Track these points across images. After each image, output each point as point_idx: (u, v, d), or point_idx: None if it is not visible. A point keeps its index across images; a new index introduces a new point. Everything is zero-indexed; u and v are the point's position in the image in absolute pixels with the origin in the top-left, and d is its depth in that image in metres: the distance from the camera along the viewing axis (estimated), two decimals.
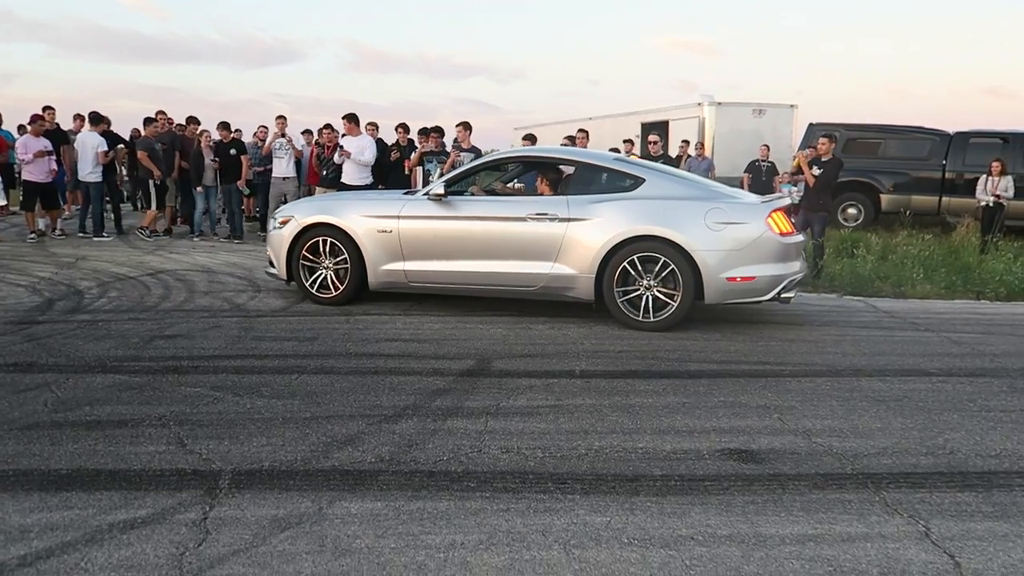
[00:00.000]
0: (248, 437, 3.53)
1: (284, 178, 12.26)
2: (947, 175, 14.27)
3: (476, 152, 10.24)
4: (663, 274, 5.94)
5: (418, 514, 2.82)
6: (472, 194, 7.03)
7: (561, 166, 7.05)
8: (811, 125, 16.15)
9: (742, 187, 13.76)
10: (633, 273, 6.00)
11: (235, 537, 2.62)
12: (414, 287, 6.71)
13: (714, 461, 3.38)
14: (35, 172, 10.96)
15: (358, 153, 10.34)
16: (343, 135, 10.85)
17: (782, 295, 6.00)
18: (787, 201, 6.61)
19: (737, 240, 5.85)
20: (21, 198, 11.82)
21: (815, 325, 6.46)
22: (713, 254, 5.83)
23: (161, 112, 12.66)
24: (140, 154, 11.38)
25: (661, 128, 17.54)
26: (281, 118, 12.37)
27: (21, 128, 12.86)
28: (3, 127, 13.91)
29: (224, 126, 12.25)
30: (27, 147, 10.92)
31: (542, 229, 6.18)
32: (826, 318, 6.81)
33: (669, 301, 5.96)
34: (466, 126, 10.56)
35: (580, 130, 10.90)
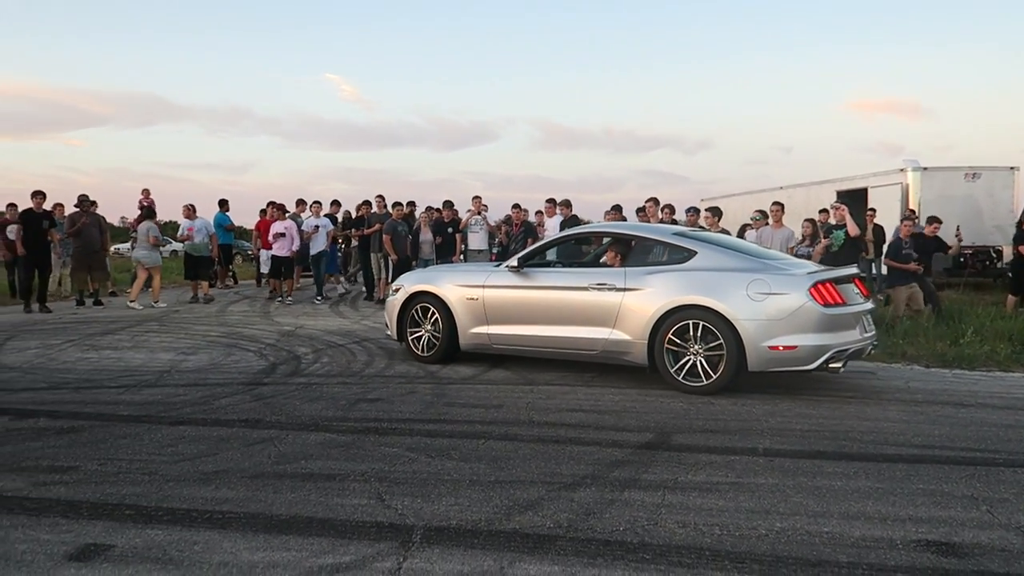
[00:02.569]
0: (439, 496, 3.81)
1: (478, 251, 13.28)
2: None
3: None
4: (710, 341, 6.15)
5: None
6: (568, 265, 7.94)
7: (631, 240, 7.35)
8: None
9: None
10: (682, 339, 6.28)
11: None
12: (496, 349, 7.42)
13: (908, 552, 3.18)
14: (279, 249, 13.82)
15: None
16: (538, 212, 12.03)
17: (830, 365, 6.01)
18: (844, 271, 6.59)
19: (779, 310, 6.01)
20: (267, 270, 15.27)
21: None
22: (755, 323, 6.01)
23: (379, 197, 14.40)
24: (384, 237, 13.25)
25: (859, 196, 16.72)
26: (477, 198, 13.44)
27: (262, 211, 15.90)
28: (228, 212, 16.54)
29: (447, 205, 13.61)
30: (273, 230, 13.82)
31: (602, 298, 6.68)
32: None
33: (717, 366, 6.14)
34: (655, 201, 10.89)
35: (775, 203, 10.69)
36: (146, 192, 16.61)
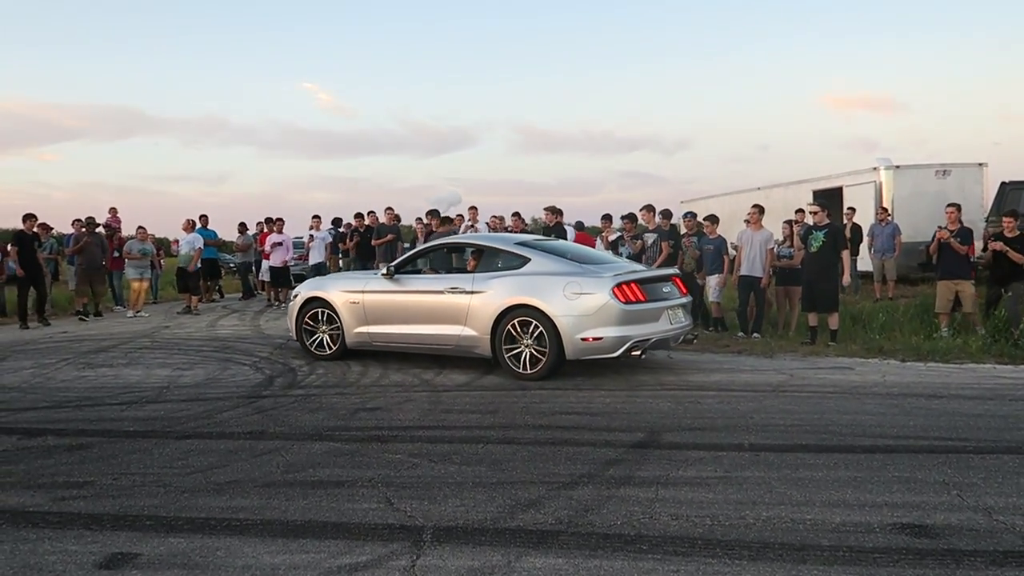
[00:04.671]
0: (444, 498, 4.01)
1: None
2: None
3: (659, 232, 10.80)
4: (537, 335, 7.19)
5: (595, 571, 3.12)
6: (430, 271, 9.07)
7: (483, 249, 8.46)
8: (1003, 184, 15.16)
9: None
10: (516, 334, 7.30)
11: None
12: (376, 346, 8.45)
13: (885, 535, 3.43)
14: (274, 260, 14.86)
15: None
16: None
17: (632, 353, 7.08)
18: (655, 272, 7.90)
19: (587, 307, 7.06)
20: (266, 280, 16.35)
21: (1007, 399, 6.13)
22: (569, 319, 7.07)
23: (388, 209, 14.80)
24: (376, 241, 13.89)
25: (834, 195, 17.10)
26: (473, 208, 13.85)
27: (242, 225, 16.78)
28: (208, 227, 17.01)
29: (432, 214, 13.93)
30: (269, 242, 15.00)
31: (455, 300, 7.75)
32: (1022, 392, 6.43)
33: (542, 357, 7.16)
34: (649, 208, 11.20)
35: (754, 206, 10.86)
36: (113, 211, 16.82)
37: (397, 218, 14.81)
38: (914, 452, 4.70)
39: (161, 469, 4.65)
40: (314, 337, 8.81)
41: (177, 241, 15.32)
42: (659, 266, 10.76)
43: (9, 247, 13.03)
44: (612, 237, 11.69)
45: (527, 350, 7.29)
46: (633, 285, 7.19)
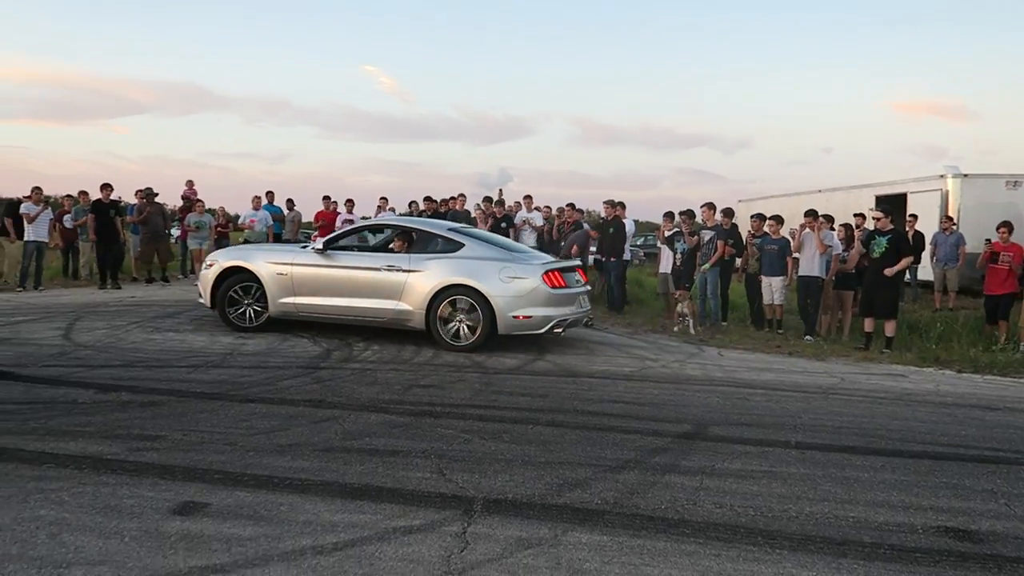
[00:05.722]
0: (494, 473, 4.17)
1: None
2: None
3: (717, 230, 10.84)
4: (470, 312, 8.14)
5: (639, 549, 3.24)
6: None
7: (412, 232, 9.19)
8: None
9: None
10: (452, 310, 8.21)
11: (489, 549, 3.20)
12: (302, 316, 8.96)
13: (928, 536, 3.47)
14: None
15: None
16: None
17: (554, 330, 8.19)
18: (569, 263, 9.13)
19: (520, 289, 8.10)
20: None
21: None
22: (503, 299, 8.07)
23: (461, 195, 15.05)
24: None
25: (898, 201, 16.73)
26: (528, 198, 14.04)
27: (289, 202, 17.83)
28: (275, 203, 17.50)
29: (489, 200, 14.28)
30: (339, 220, 15.37)
31: (391, 277, 8.48)
32: None
33: (475, 331, 8.11)
34: (710, 206, 11.24)
35: (808, 211, 10.72)
36: (190, 183, 17.50)
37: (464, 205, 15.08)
38: (964, 460, 4.69)
39: (227, 428, 4.91)
40: (238, 308, 9.06)
41: (254, 219, 15.69)
42: (712, 265, 10.78)
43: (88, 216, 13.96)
44: (669, 232, 11.75)
45: (460, 325, 8.19)
46: (557, 272, 8.30)
